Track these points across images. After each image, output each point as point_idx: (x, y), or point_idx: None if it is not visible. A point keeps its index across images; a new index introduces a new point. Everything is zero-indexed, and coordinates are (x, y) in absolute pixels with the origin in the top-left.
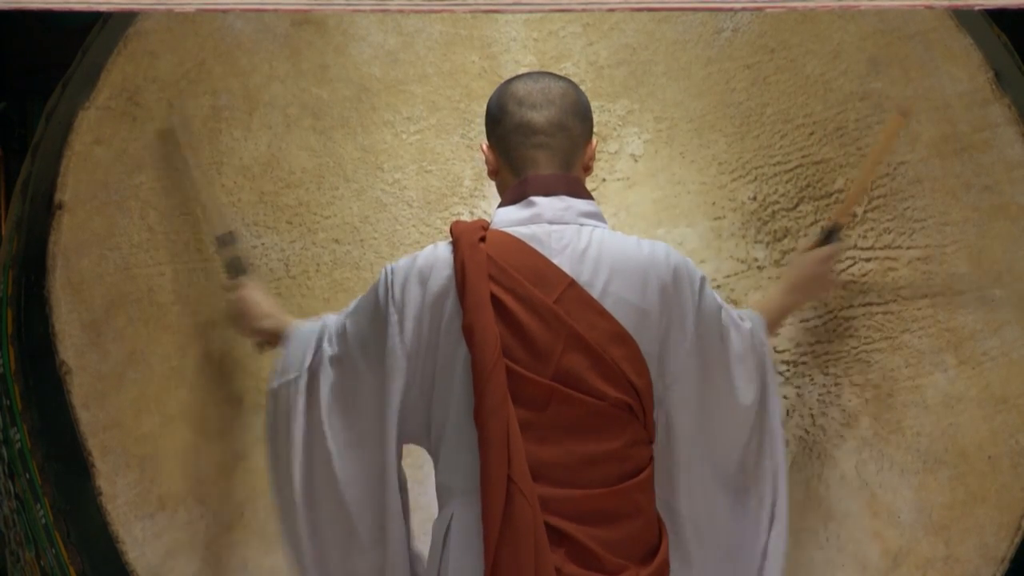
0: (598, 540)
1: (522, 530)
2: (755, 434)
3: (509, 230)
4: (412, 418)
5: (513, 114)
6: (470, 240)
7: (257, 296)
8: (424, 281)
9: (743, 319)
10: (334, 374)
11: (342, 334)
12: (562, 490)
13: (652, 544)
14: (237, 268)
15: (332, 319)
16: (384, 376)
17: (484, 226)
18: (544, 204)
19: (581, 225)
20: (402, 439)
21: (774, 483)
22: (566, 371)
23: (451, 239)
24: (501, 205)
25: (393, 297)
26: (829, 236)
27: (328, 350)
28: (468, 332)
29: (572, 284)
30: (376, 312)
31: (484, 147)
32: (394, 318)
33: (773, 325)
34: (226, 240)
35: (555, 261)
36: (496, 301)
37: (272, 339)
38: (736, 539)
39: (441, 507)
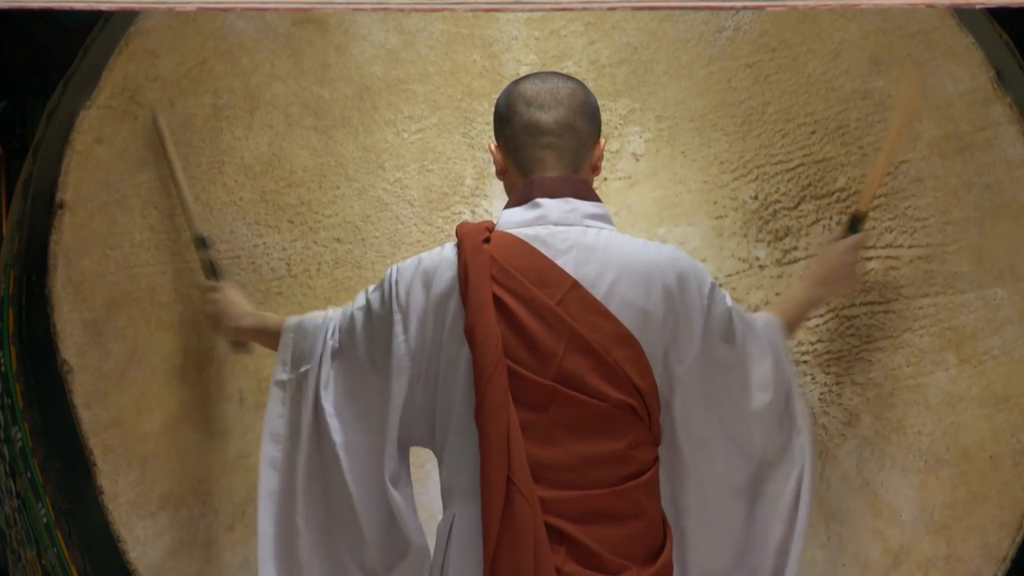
0: (599, 540)
1: (522, 531)
2: (776, 434)
3: (514, 231)
4: (417, 421)
5: (521, 114)
6: (474, 242)
7: (234, 296)
8: (428, 283)
9: (755, 321)
10: (340, 369)
11: (347, 330)
12: (563, 491)
13: (655, 545)
14: (215, 271)
15: (336, 313)
16: (388, 377)
17: (489, 227)
18: (549, 206)
19: (586, 227)
20: (407, 442)
21: (797, 483)
22: (568, 372)
23: (456, 240)
24: (507, 206)
25: (398, 298)
26: (853, 225)
27: (332, 344)
28: (470, 333)
29: (575, 285)
30: (381, 312)
31: (492, 147)
32: (398, 318)
33: (795, 322)
34: (201, 243)
35: (559, 262)
36: (498, 302)
37: (251, 337)
38: (749, 537)
39: (444, 508)
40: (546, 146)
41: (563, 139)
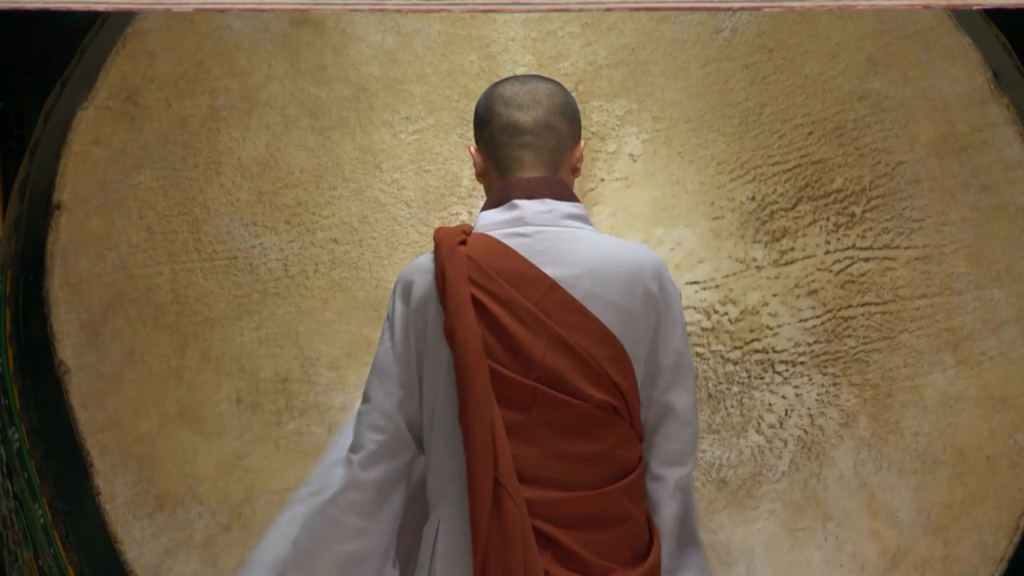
0: (583, 543)
1: (511, 532)
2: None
3: (491, 233)
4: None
5: (500, 115)
6: (450, 244)
7: None
8: (407, 290)
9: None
10: None
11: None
12: (548, 492)
13: (641, 547)
14: None
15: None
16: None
17: (466, 230)
18: (527, 207)
19: (565, 227)
20: None
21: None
22: (550, 372)
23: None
24: (484, 208)
25: (389, 315)
26: None
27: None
28: (450, 334)
29: (554, 286)
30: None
31: (472, 150)
32: (386, 325)
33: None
34: None
35: (537, 263)
36: (477, 303)
37: None
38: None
39: (431, 511)
40: (525, 145)
41: (542, 139)
